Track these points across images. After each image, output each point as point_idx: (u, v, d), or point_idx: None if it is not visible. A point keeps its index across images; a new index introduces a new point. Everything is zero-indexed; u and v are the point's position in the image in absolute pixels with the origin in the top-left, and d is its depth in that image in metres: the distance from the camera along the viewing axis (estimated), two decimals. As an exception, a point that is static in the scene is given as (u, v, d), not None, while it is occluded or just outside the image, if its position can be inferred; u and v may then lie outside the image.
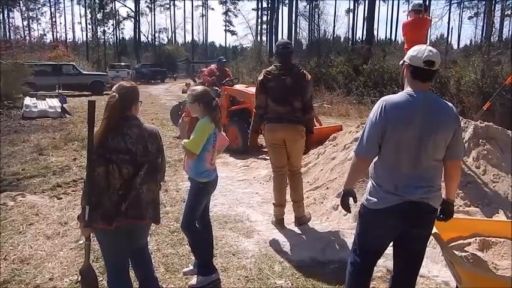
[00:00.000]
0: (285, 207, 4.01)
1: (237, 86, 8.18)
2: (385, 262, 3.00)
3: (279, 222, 3.98)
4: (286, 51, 3.81)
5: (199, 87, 2.97)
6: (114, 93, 2.15)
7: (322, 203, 4.47)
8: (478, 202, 3.79)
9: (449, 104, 2.09)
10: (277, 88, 3.71)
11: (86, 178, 2.09)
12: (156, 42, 53.55)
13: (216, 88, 8.05)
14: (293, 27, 33.49)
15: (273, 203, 4.03)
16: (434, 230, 2.32)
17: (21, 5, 43.29)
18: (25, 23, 46.82)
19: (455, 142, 2.05)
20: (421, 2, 6.39)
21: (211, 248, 3.06)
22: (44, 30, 52.01)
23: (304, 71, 3.85)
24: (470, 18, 47.47)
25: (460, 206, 3.73)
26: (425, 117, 1.98)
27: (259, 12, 44.53)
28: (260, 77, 3.82)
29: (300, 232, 3.88)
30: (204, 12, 55.97)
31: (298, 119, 3.74)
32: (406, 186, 2.03)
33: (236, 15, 54.67)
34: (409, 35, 5.47)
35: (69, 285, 2.91)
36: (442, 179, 2.16)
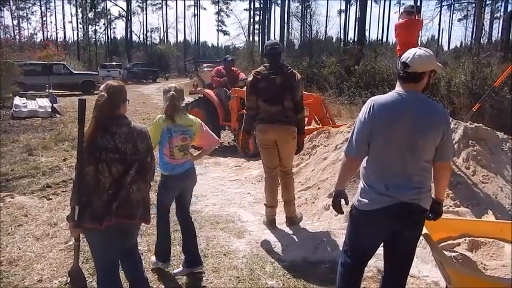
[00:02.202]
0: (276, 208, 4.01)
1: None
2: (376, 262, 3.01)
3: (270, 223, 3.98)
4: (275, 51, 3.82)
5: (166, 86, 3.03)
6: (102, 93, 2.14)
7: (313, 203, 4.48)
8: (467, 202, 3.83)
9: (439, 105, 2.11)
10: (267, 88, 3.71)
11: (75, 177, 2.08)
12: (148, 42, 53.32)
13: (225, 90, 7.69)
14: (285, 28, 33.57)
15: (265, 204, 4.03)
16: (425, 230, 2.34)
17: (11, 4, 42.75)
18: (15, 22, 46.23)
19: (445, 143, 2.05)
20: (413, 3, 6.47)
21: (195, 243, 3.13)
22: (34, 29, 51.38)
23: (294, 71, 3.86)
24: (460, 20, 47.98)
25: (450, 206, 3.76)
26: (414, 117, 1.99)
27: (252, 12, 44.57)
28: (250, 78, 3.82)
29: (291, 232, 3.88)
30: (196, 12, 55.77)
31: (289, 119, 3.75)
32: (396, 187, 2.03)
33: (228, 15, 54.66)
34: (401, 36, 5.51)
35: (58, 287, 2.88)
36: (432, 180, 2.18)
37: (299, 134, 3.87)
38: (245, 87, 7.57)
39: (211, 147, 3.19)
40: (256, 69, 3.88)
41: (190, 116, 3.04)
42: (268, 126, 3.75)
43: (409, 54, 2.03)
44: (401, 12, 5.61)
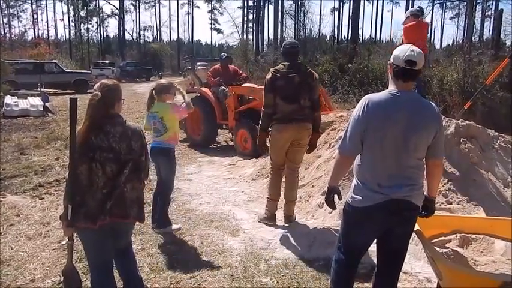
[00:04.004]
0: (278, 202, 4.03)
1: (245, 85, 7.71)
2: (369, 259, 3.04)
3: (272, 217, 3.99)
4: (294, 50, 3.84)
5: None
6: (96, 92, 2.13)
7: (307, 201, 4.49)
8: (459, 199, 3.87)
9: (432, 104, 2.13)
10: (286, 86, 3.71)
11: (68, 177, 2.07)
12: (141, 40, 52.91)
13: (223, 88, 7.60)
14: (279, 26, 33.54)
15: (268, 198, 4.02)
16: (417, 227, 2.37)
17: (1, 2, 42.20)
18: (5, 20, 45.68)
19: (437, 142, 2.08)
20: (418, 7, 6.54)
21: (161, 207, 3.78)
22: (25, 27, 50.69)
23: (311, 70, 3.89)
24: (452, 18, 48.39)
25: (442, 203, 3.80)
26: (408, 116, 2.00)
27: (245, 10, 44.47)
28: (268, 76, 3.78)
29: (285, 230, 3.89)
30: (189, 10, 55.47)
31: (305, 116, 3.78)
32: (389, 184, 2.06)
33: (222, 13, 54.40)
34: (410, 38, 5.51)
35: (51, 287, 2.86)
36: (424, 177, 2.20)
37: (314, 133, 3.91)
38: (244, 84, 7.61)
39: (183, 111, 3.69)
40: (275, 68, 3.86)
41: (162, 104, 3.67)
42: (285, 126, 3.75)
43: (411, 52, 2.01)
44: (408, 16, 5.64)
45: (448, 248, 2.57)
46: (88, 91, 17.34)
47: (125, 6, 47.98)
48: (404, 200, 2.07)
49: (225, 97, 7.49)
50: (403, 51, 2.04)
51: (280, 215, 4.11)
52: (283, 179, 4.09)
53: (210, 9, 54.21)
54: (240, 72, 8.22)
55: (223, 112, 7.61)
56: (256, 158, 6.36)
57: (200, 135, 7.82)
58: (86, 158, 2.05)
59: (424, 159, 2.12)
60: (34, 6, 46.10)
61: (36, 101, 12.32)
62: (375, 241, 2.28)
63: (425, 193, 2.22)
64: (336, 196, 2.25)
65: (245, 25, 44.12)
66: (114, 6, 47.45)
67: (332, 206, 2.29)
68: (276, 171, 3.99)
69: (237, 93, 7.34)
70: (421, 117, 2.02)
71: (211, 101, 7.71)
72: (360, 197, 2.11)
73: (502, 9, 19.58)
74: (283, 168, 3.98)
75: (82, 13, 43.48)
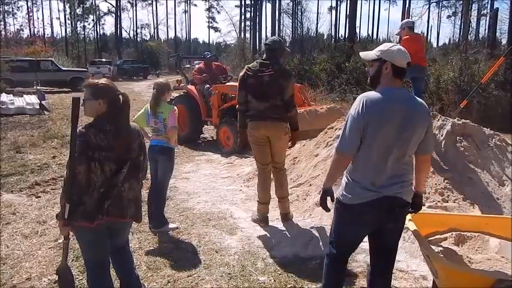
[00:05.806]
0: (269, 204, 4.03)
1: (228, 84, 7.86)
2: (366, 257, 3.06)
3: (263, 220, 3.99)
4: (271, 48, 3.79)
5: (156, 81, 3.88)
6: None
7: (305, 199, 4.50)
8: (455, 198, 3.89)
9: (421, 100, 2.17)
10: (255, 85, 3.71)
11: (66, 175, 2.06)
12: (138, 38, 52.81)
13: (208, 86, 7.73)
14: (276, 25, 33.53)
15: (258, 201, 4.02)
16: (413, 225, 2.39)
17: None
18: (0, 17, 45.36)
19: (427, 137, 2.13)
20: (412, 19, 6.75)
21: (157, 207, 3.80)
22: (20, 25, 50.31)
23: (286, 68, 3.86)
24: (448, 17, 48.41)
25: (438, 201, 3.82)
26: (404, 114, 2.03)
27: (243, 9, 44.40)
28: (241, 73, 3.82)
29: (282, 229, 3.90)
30: (186, 8, 55.36)
31: (280, 116, 3.75)
32: (382, 182, 2.07)
33: (219, 12, 54.40)
34: (412, 49, 5.58)
35: (47, 285, 2.86)
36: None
37: (293, 131, 3.91)
38: (227, 83, 7.77)
39: (170, 131, 3.67)
40: (248, 65, 3.87)
41: (167, 105, 3.75)
42: (260, 123, 3.75)
43: (407, 53, 2.13)
44: (403, 27, 5.68)
45: (444, 246, 2.59)
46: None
47: (121, 4, 47.87)
48: (395, 196, 2.09)
49: (210, 95, 7.69)
50: (403, 53, 2.12)
51: (276, 213, 4.12)
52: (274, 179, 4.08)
53: (208, 7, 54.20)
54: (225, 67, 8.43)
55: (208, 109, 7.82)
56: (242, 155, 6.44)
57: (185, 132, 7.94)
58: (85, 157, 2.05)
59: (412, 156, 2.16)
60: (30, 4, 45.89)
61: (32, 99, 12.25)
62: (366, 237, 2.30)
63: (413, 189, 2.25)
64: (329, 198, 2.24)
65: (242, 23, 44.11)
66: (111, 4, 47.18)
67: (325, 208, 2.26)
68: (262, 172, 3.97)
69: (220, 92, 7.58)
70: (415, 115, 2.06)
71: (196, 98, 7.90)
72: (351, 195, 2.12)
73: (497, 8, 19.62)
74: (268, 167, 3.96)
75: (78, 11, 43.29)
